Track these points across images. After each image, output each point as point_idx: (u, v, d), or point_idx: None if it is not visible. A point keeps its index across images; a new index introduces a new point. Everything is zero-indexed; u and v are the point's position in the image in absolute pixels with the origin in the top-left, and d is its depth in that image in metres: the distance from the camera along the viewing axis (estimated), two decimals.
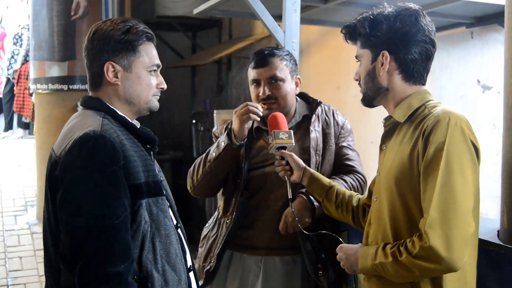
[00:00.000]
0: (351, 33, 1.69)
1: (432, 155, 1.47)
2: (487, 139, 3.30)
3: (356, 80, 1.73)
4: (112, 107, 1.60)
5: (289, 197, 1.98)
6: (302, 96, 2.37)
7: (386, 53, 1.60)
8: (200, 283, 2.29)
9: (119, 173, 1.44)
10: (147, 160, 1.58)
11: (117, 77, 1.60)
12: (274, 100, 2.19)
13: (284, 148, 2.01)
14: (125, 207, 1.44)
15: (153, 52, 1.65)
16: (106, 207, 1.41)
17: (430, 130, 1.49)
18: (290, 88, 2.23)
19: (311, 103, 2.35)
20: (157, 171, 1.65)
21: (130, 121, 1.63)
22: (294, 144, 2.02)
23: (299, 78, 2.30)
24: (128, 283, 1.41)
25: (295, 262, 2.24)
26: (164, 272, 1.53)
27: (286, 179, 2.01)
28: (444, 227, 1.41)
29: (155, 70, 1.65)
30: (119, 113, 1.61)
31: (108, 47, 1.58)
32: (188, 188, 2.33)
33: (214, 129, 2.43)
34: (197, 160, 2.30)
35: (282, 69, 2.22)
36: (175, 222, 1.65)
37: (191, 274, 1.67)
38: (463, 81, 3.57)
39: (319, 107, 2.31)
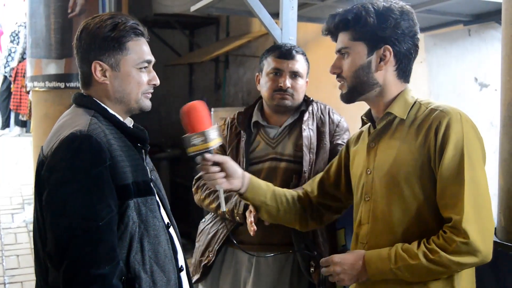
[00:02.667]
0: (347, 21, 1.62)
1: (453, 152, 1.48)
2: (485, 136, 3.30)
3: (335, 73, 1.67)
4: (103, 105, 1.57)
5: (222, 210, 1.76)
6: None
7: (389, 48, 1.59)
8: (196, 277, 2.31)
9: (105, 174, 1.42)
10: (136, 159, 1.56)
11: (105, 76, 1.56)
12: (290, 94, 2.24)
13: (209, 152, 1.64)
14: (111, 208, 1.42)
15: (143, 48, 1.59)
16: (91, 209, 1.39)
17: (445, 127, 1.50)
18: (304, 86, 2.30)
19: (306, 101, 2.38)
20: (148, 170, 1.62)
21: (121, 119, 1.60)
22: (220, 143, 1.67)
23: (306, 81, 2.34)
24: (113, 285, 1.39)
25: (287, 258, 2.24)
26: (152, 273, 1.50)
27: (220, 188, 1.71)
28: (479, 221, 1.45)
29: (146, 67, 1.60)
30: (110, 111, 1.58)
31: (94, 46, 1.54)
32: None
33: None
34: (199, 185, 2.34)
35: (304, 67, 2.28)
36: (166, 221, 1.62)
37: (183, 274, 1.64)
38: (460, 78, 3.57)
39: (313, 105, 2.34)
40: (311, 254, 2.14)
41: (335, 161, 1.91)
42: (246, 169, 2.22)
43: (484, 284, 1.82)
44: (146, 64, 1.60)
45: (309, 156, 2.21)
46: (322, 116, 2.32)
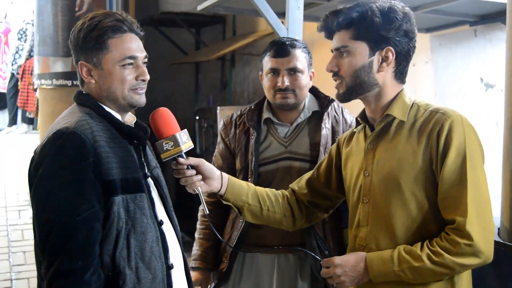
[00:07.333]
0: (350, 20, 1.60)
1: (455, 155, 1.50)
2: (490, 137, 3.30)
3: (332, 71, 1.66)
4: (99, 102, 1.59)
5: (206, 213, 1.75)
6: (312, 90, 2.34)
7: (392, 49, 1.59)
8: (213, 284, 2.30)
9: (87, 170, 1.44)
10: (127, 156, 1.56)
11: (91, 75, 1.58)
12: (291, 91, 2.17)
13: (182, 156, 1.66)
14: (91, 204, 1.44)
15: (127, 44, 1.57)
16: (68, 204, 1.42)
17: (447, 130, 1.51)
18: (306, 81, 2.22)
19: (321, 99, 2.32)
20: (144, 167, 1.63)
21: (116, 116, 1.60)
22: (191, 146, 1.67)
23: (313, 72, 2.28)
24: (83, 281, 1.40)
25: (306, 256, 2.22)
26: (137, 269, 1.50)
27: (198, 191, 1.69)
28: (481, 223, 1.47)
29: (131, 63, 1.58)
30: (106, 108, 1.59)
31: (77, 47, 1.58)
32: None
33: (220, 128, 2.42)
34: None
35: (302, 61, 2.20)
36: (159, 219, 1.61)
37: (173, 272, 1.62)
38: (466, 79, 3.57)
39: (330, 106, 2.29)
40: (322, 252, 2.13)
41: (325, 160, 1.91)
42: (256, 168, 2.20)
43: (487, 284, 1.82)
44: (129, 61, 1.57)
45: (324, 155, 2.18)
46: (336, 115, 2.29)
